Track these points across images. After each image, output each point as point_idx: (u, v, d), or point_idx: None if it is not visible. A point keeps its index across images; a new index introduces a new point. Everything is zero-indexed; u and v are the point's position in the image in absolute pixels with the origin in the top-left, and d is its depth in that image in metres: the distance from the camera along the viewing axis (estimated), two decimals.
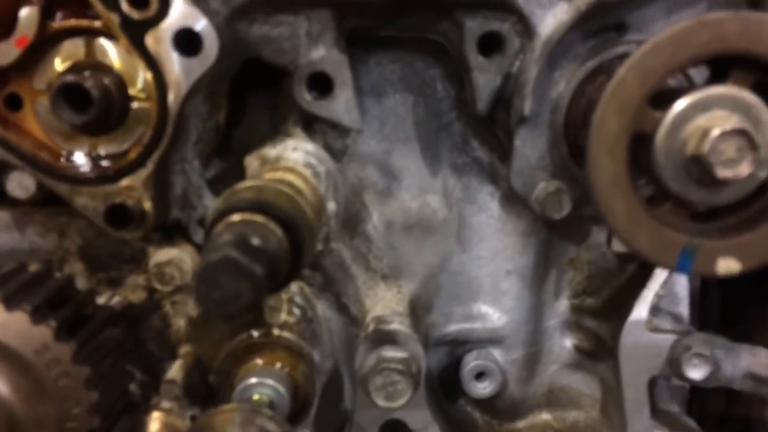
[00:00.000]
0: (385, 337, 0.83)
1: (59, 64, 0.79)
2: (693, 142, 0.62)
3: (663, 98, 0.64)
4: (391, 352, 0.80)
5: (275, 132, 0.93)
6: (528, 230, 0.95)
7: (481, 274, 0.97)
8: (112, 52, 0.80)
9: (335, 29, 0.83)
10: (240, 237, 0.59)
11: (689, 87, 0.69)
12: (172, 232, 0.88)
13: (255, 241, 0.59)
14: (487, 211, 0.95)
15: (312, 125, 0.92)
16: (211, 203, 0.89)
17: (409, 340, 0.83)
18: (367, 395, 0.80)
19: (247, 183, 0.73)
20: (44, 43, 0.78)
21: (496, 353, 0.99)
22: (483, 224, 0.95)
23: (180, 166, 0.86)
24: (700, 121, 0.62)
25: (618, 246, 0.91)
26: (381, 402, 0.79)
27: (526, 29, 0.81)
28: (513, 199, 0.93)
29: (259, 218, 0.63)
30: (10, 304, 0.71)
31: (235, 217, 0.63)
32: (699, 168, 0.62)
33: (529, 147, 0.85)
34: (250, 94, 0.94)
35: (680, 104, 0.62)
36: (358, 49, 0.88)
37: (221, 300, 0.55)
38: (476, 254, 0.96)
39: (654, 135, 0.63)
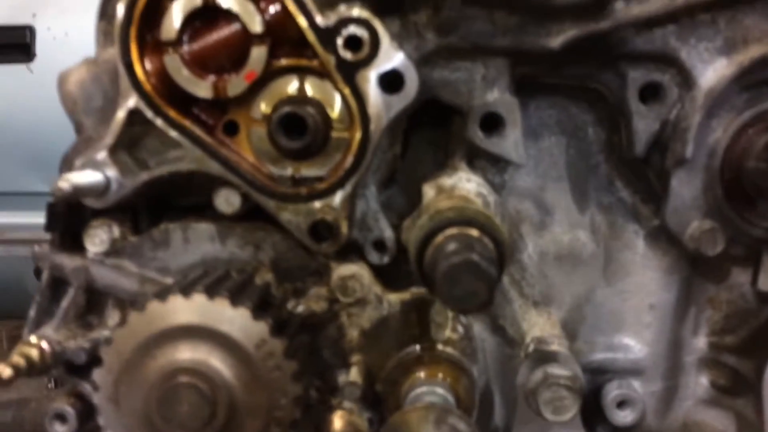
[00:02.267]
0: (547, 357, 0.91)
1: (274, 98, 0.92)
2: None
3: None
4: (557, 370, 0.88)
5: (437, 166, 1.04)
6: (671, 267, 1.03)
7: (625, 308, 1.05)
8: (317, 88, 0.92)
9: (509, 75, 0.95)
10: (468, 245, 0.69)
11: None
12: (347, 251, 0.99)
13: (480, 249, 0.69)
14: (633, 248, 1.04)
15: (473, 161, 1.03)
16: (384, 226, 1.00)
17: (569, 360, 0.91)
18: (535, 409, 0.88)
19: (444, 205, 0.84)
20: (265, 78, 0.91)
21: (636, 384, 1.05)
22: (628, 260, 1.04)
23: (362, 191, 0.98)
24: None
25: (765, 285, 0.98)
26: (549, 415, 0.87)
27: (686, 81, 0.91)
28: (657, 238, 1.02)
29: (473, 232, 0.73)
30: (235, 302, 0.82)
31: (453, 231, 0.73)
32: None
33: (686, 188, 0.94)
34: (415, 132, 1.06)
35: None
36: (520, 95, 1.00)
37: (461, 297, 0.65)
38: (620, 288, 1.04)
39: None
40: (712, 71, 0.90)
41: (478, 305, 0.66)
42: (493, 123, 0.96)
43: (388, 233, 1.00)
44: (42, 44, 2.56)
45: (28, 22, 2.54)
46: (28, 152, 2.63)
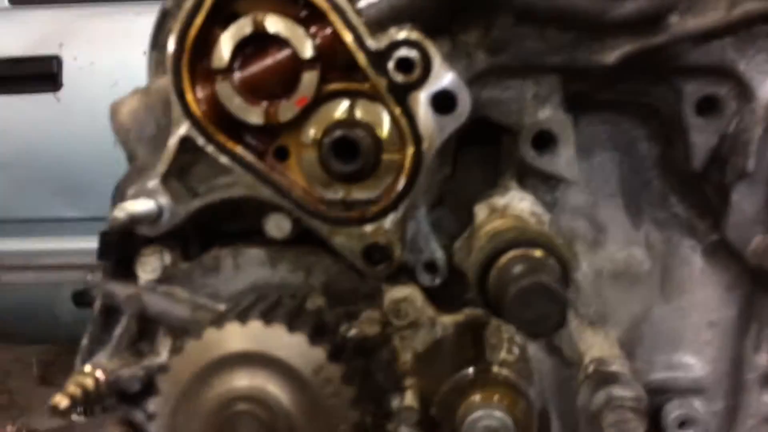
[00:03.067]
0: (608, 378, 0.89)
1: (324, 121, 0.92)
2: None
3: None
4: (620, 391, 0.86)
5: (487, 186, 1.04)
6: (732, 283, 1.01)
7: (683, 325, 1.03)
8: (367, 110, 0.92)
9: (561, 92, 0.94)
10: (535, 267, 0.68)
11: None
12: (398, 273, 0.99)
13: (548, 271, 0.68)
14: (690, 265, 1.02)
15: (524, 180, 1.02)
16: (435, 248, 0.99)
17: (632, 381, 0.89)
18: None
19: (502, 225, 0.83)
20: (315, 103, 0.91)
21: (697, 404, 1.03)
22: (685, 277, 1.02)
23: (413, 212, 0.97)
24: None
25: None
26: None
27: (745, 93, 0.90)
28: (716, 253, 1.00)
29: (537, 253, 0.73)
30: (292, 328, 0.82)
31: (517, 252, 0.73)
32: None
33: (747, 202, 0.92)
34: (464, 151, 1.06)
35: None
36: (571, 111, 0.99)
37: (533, 320, 0.65)
38: (679, 305, 1.02)
39: None
40: None
41: (551, 328, 0.65)
42: (545, 141, 0.95)
43: (438, 254, 0.99)
44: (69, 73, 2.62)
45: (55, 52, 2.60)
46: (56, 179, 2.68)
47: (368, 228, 0.92)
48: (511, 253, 0.73)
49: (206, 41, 0.90)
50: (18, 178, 2.68)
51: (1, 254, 2.78)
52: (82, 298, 1.13)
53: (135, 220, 0.89)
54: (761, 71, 0.89)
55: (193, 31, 0.88)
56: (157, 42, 0.96)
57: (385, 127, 0.92)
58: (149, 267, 0.97)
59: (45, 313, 2.83)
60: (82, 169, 2.67)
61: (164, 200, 0.93)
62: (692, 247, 1.02)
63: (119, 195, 0.95)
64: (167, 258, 0.98)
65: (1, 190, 2.70)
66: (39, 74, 2.65)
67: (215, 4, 0.88)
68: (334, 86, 0.91)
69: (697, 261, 1.02)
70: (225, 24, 0.90)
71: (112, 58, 2.65)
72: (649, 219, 1.03)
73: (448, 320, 0.97)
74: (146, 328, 1.01)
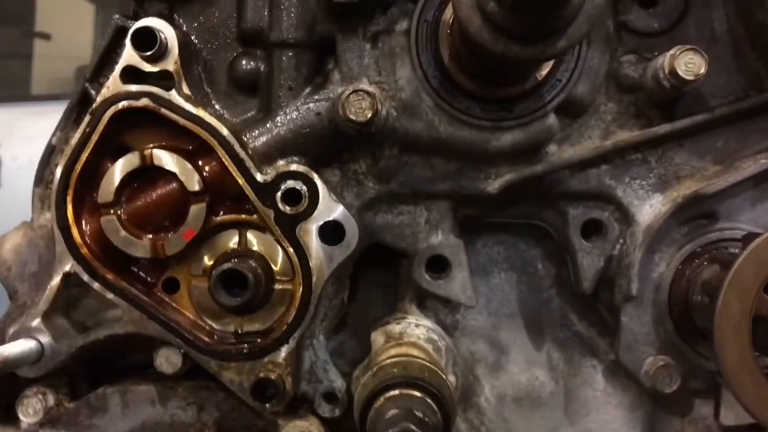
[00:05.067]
0: None
1: (215, 253, 0.93)
2: None
3: None
4: None
5: (388, 308, 1.05)
6: (634, 404, 1.03)
7: None
8: (259, 240, 0.94)
9: (452, 217, 0.98)
10: (407, 411, 0.68)
11: None
12: (296, 405, 0.98)
13: (420, 415, 0.68)
14: (592, 384, 1.04)
15: (424, 302, 1.04)
16: (334, 377, 0.99)
17: None
18: None
19: (390, 359, 0.84)
20: (205, 235, 0.92)
21: None
22: (589, 397, 1.04)
23: (309, 341, 0.97)
24: None
25: (727, 419, 0.98)
26: None
27: (625, 217, 0.95)
28: (616, 373, 1.03)
29: (415, 393, 0.73)
30: None
31: (394, 392, 0.73)
32: None
33: (636, 323, 0.95)
34: (363, 273, 1.07)
35: None
36: (466, 233, 1.02)
37: None
38: (584, 427, 1.03)
39: None
40: (649, 207, 0.94)
41: None
42: (439, 265, 0.97)
43: (338, 383, 0.99)
44: (6, 173, 2.62)
45: None
46: None
47: (258, 362, 0.91)
48: (389, 393, 0.73)
49: (95, 174, 0.91)
50: None
51: None
52: None
53: (12, 363, 0.87)
54: (638, 197, 0.94)
55: (79, 165, 0.90)
56: (42, 177, 0.97)
57: (278, 259, 0.93)
58: (31, 409, 0.94)
59: None
60: None
61: (45, 339, 0.91)
62: (594, 366, 1.04)
63: None
64: (51, 399, 0.95)
65: None
66: None
67: (103, 138, 0.90)
68: (223, 218, 0.93)
69: (600, 381, 1.04)
70: (115, 156, 0.91)
71: None
72: (551, 338, 1.05)
73: None
74: None
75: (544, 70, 0.89)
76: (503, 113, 0.90)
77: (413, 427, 0.65)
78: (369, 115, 0.84)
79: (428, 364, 0.81)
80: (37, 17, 3.48)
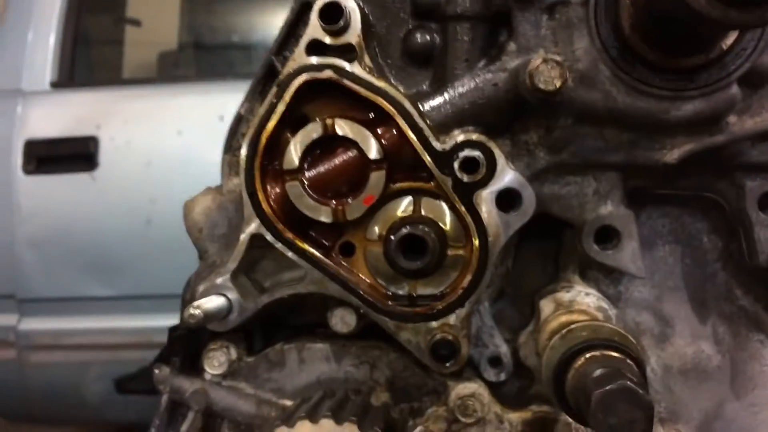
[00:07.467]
0: None
1: (387, 219, 0.99)
2: None
3: None
4: None
5: (546, 277, 1.09)
6: None
7: (756, 422, 1.05)
8: (433, 207, 0.99)
9: (621, 188, 1.00)
10: (617, 370, 0.72)
11: None
12: (463, 369, 1.03)
13: (629, 375, 0.72)
14: (760, 359, 1.05)
15: (586, 273, 1.07)
16: (500, 342, 1.04)
17: None
18: None
19: (568, 320, 0.88)
20: (381, 201, 0.98)
21: None
22: (756, 372, 1.05)
23: (476, 307, 1.02)
24: None
25: None
26: None
27: None
28: None
29: (615, 354, 0.77)
30: (363, 426, 0.87)
31: (595, 353, 0.77)
32: None
33: None
34: (523, 242, 1.11)
35: None
36: (633, 205, 1.04)
37: (617, 426, 0.68)
38: (750, 401, 1.05)
39: None
40: None
41: None
42: (608, 236, 1.00)
43: (503, 349, 1.04)
44: (105, 153, 2.78)
45: (93, 133, 2.78)
46: (87, 258, 2.79)
47: (434, 324, 0.97)
48: (589, 354, 0.77)
49: (277, 144, 0.98)
50: (49, 256, 2.80)
51: (30, 333, 2.86)
52: (125, 385, 1.18)
53: (208, 317, 0.95)
54: None
55: (266, 135, 0.97)
56: (231, 145, 1.05)
57: (447, 224, 0.99)
58: (216, 362, 1.03)
59: (72, 395, 2.89)
60: (114, 247, 2.80)
61: (234, 296, 0.99)
62: (761, 342, 1.05)
63: (190, 291, 1.02)
64: (233, 353, 1.04)
65: (32, 269, 2.81)
66: (76, 154, 2.81)
67: (287, 109, 0.97)
68: (398, 185, 0.98)
69: (767, 356, 1.05)
70: (294, 127, 0.98)
71: (147, 138, 2.82)
72: (716, 312, 1.07)
73: (515, 417, 1.00)
74: (210, 424, 1.05)
75: (731, 39, 0.90)
76: (684, 83, 0.91)
77: (632, 385, 0.69)
78: (558, 84, 0.87)
79: (617, 329, 0.84)
80: (128, 4, 3.66)
